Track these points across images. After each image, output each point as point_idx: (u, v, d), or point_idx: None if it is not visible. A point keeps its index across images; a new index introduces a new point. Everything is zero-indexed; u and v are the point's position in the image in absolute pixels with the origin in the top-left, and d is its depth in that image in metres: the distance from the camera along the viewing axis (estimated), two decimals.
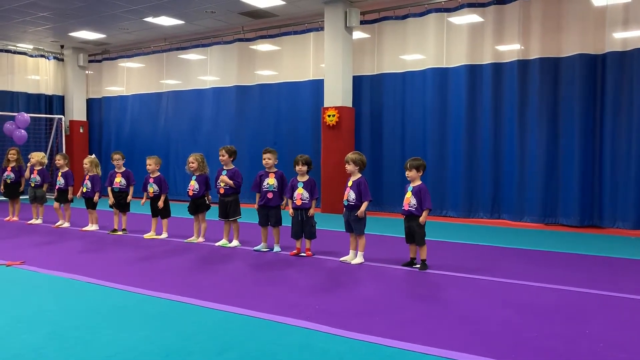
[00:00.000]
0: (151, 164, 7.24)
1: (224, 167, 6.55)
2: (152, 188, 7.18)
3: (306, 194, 5.81)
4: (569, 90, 8.68)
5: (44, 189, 8.79)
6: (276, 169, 6.22)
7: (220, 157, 6.53)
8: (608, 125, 8.43)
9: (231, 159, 6.54)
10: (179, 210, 8.25)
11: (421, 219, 5.25)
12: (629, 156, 8.25)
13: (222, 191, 6.47)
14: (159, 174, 7.28)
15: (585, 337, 3.30)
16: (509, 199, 9.30)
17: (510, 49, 9.25)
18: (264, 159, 6.19)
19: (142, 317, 3.71)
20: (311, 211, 5.82)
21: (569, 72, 8.66)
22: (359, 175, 5.62)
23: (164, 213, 7.28)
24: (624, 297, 4.26)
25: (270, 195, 6.10)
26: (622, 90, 8.30)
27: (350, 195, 5.53)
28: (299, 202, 5.84)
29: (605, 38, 8.41)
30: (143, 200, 7.29)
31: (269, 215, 6.17)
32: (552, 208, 8.89)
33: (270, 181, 6.11)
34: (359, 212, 5.47)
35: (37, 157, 8.87)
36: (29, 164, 8.88)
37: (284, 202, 6.10)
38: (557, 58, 8.80)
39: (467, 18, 9.57)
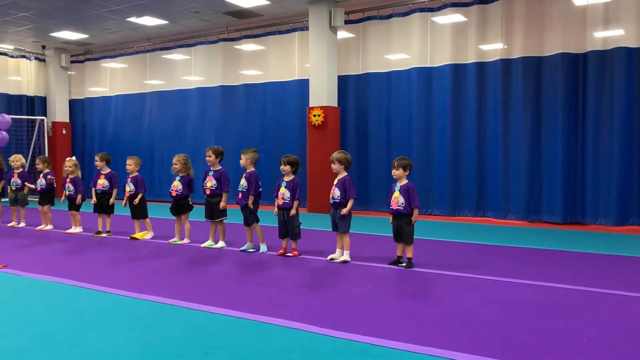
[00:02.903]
0: (131, 164, 7.28)
1: (211, 168, 6.53)
2: (129, 187, 7.19)
3: (288, 194, 5.81)
4: (552, 89, 8.79)
5: (25, 191, 8.68)
6: (253, 169, 6.21)
7: (207, 158, 6.51)
8: (590, 123, 8.55)
9: (218, 159, 6.53)
10: (163, 211, 8.20)
11: (413, 218, 5.29)
12: (610, 154, 8.37)
13: (208, 192, 6.45)
14: (137, 174, 7.28)
15: (570, 332, 3.35)
16: (494, 197, 9.38)
17: (493, 48, 9.34)
18: None
19: (129, 319, 3.68)
20: (292, 211, 5.80)
21: (551, 71, 8.77)
22: (345, 173, 5.64)
23: (140, 213, 7.26)
24: (607, 293, 4.33)
25: (239, 196, 6.16)
26: (603, 89, 8.43)
27: (336, 193, 5.56)
28: (280, 202, 5.85)
29: (586, 37, 8.53)
30: (124, 201, 7.27)
31: (244, 214, 6.19)
32: (536, 205, 9.00)
33: (241, 181, 6.17)
34: (344, 210, 5.49)
35: (20, 160, 8.76)
36: (16, 170, 8.72)
37: (250, 201, 6.10)
38: (539, 57, 8.90)
39: (451, 18, 9.65)
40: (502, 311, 3.81)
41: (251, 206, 6.11)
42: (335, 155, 5.70)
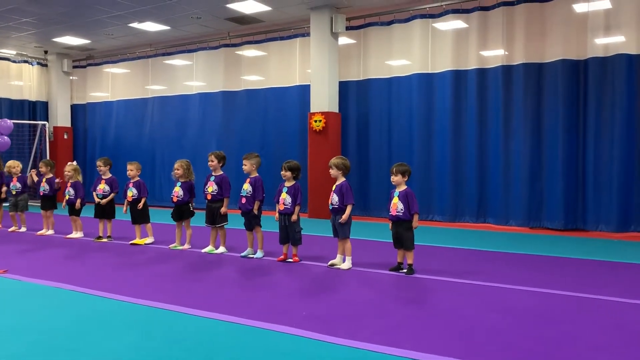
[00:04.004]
0: (132, 169, 7.27)
1: (213, 173, 6.53)
2: (131, 192, 7.18)
3: (289, 199, 5.81)
4: (552, 96, 8.79)
5: (32, 185, 8.68)
6: (257, 174, 6.21)
7: (210, 163, 6.52)
8: (590, 129, 8.55)
9: (220, 164, 6.54)
10: (164, 216, 8.20)
11: (414, 224, 5.28)
12: (611, 160, 8.37)
13: (209, 197, 6.45)
14: (138, 178, 7.29)
15: (569, 339, 3.34)
16: (495, 203, 9.38)
17: (494, 55, 9.35)
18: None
19: (128, 324, 3.67)
20: (294, 217, 5.80)
21: (552, 78, 8.78)
22: (343, 179, 5.65)
23: (143, 218, 7.26)
24: (608, 300, 4.32)
25: (243, 200, 6.13)
26: (604, 95, 8.43)
27: (334, 198, 5.56)
28: (281, 207, 5.84)
29: (587, 44, 8.54)
30: (124, 207, 7.24)
31: (248, 219, 6.18)
32: (537, 212, 8.98)
33: (245, 186, 6.16)
34: (343, 216, 5.48)
35: (19, 166, 8.77)
36: (15, 176, 8.72)
37: (255, 207, 6.10)
38: (540, 63, 8.92)
39: (452, 24, 9.67)
40: (503, 318, 3.80)
41: (256, 211, 6.12)
42: (333, 160, 5.70)
